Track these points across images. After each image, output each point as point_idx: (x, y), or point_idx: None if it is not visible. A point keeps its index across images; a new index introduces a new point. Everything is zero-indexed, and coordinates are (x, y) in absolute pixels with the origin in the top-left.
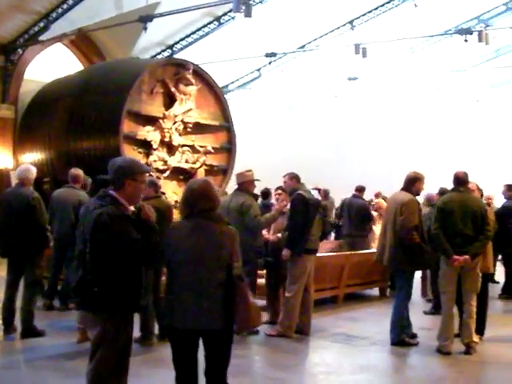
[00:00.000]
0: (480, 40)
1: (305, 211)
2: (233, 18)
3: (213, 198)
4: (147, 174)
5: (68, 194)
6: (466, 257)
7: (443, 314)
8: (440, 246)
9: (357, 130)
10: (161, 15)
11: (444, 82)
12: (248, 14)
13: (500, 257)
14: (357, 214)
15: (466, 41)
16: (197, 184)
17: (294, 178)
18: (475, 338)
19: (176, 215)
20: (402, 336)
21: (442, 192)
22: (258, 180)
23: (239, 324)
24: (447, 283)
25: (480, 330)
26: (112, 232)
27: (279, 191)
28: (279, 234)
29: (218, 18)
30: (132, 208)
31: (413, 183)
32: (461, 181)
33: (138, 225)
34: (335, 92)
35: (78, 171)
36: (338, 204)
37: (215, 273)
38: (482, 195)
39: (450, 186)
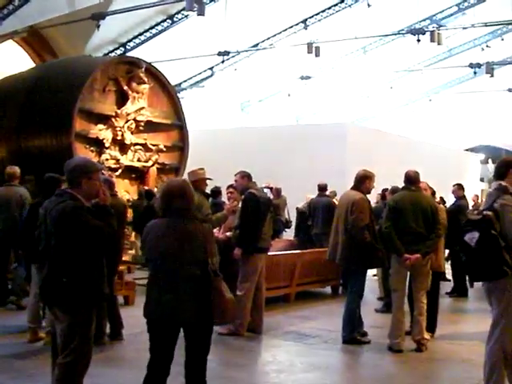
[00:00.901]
0: (432, 40)
1: (256, 210)
2: (186, 16)
3: (189, 197)
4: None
5: (8, 192)
6: (417, 255)
7: (394, 312)
8: (391, 244)
9: (309, 129)
10: (114, 13)
11: (397, 81)
12: (201, 13)
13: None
14: (323, 212)
15: (418, 41)
16: (174, 183)
17: (245, 176)
18: (426, 335)
19: (129, 214)
20: (353, 334)
21: (394, 190)
22: (209, 179)
23: (217, 318)
24: (398, 281)
25: (431, 328)
26: (78, 222)
27: (231, 189)
28: (228, 233)
29: (171, 16)
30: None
31: (363, 182)
32: (412, 180)
33: (98, 217)
34: (288, 90)
35: (14, 168)
36: (293, 203)
37: (191, 269)
38: (433, 194)
39: (400, 183)
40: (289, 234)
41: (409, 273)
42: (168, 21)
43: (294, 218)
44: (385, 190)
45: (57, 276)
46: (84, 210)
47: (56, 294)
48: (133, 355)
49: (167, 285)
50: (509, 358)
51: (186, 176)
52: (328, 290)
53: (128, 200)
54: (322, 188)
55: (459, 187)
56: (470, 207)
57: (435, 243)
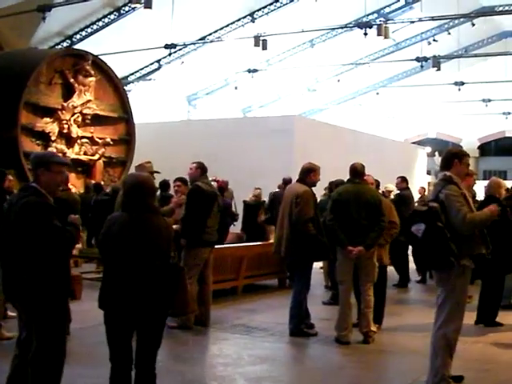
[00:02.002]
0: (379, 34)
1: (200, 203)
2: (133, 8)
3: (151, 191)
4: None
5: None
6: (361, 248)
7: (341, 304)
8: (335, 236)
9: (256, 122)
10: (60, 5)
11: (344, 74)
12: (148, 5)
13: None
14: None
15: (365, 34)
16: (136, 178)
17: (199, 168)
18: (373, 327)
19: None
20: (300, 326)
21: (338, 184)
22: (157, 172)
23: (178, 309)
24: (344, 273)
25: (378, 320)
26: (37, 219)
27: (178, 183)
28: (175, 226)
29: (118, 9)
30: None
31: (307, 174)
32: (357, 172)
33: (60, 214)
34: (235, 83)
35: None
36: (240, 196)
37: (154, 262)
38: (377, 187)
39: (346, 176)
40: (237, 228)
41: (355, 265)
42: (115, 13)
43: (240, 211)
44: (332, 183)
45: (18, 272)
46: (47, 207)
47: (17, 291)
48: (80, 350)
49: (129, 277)
50: (452, 345)
51: (133, 169)
52: (275, 282)
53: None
54: (287, 181)
55: (402, 180)
56: (416, 199)
57: (379, 236)
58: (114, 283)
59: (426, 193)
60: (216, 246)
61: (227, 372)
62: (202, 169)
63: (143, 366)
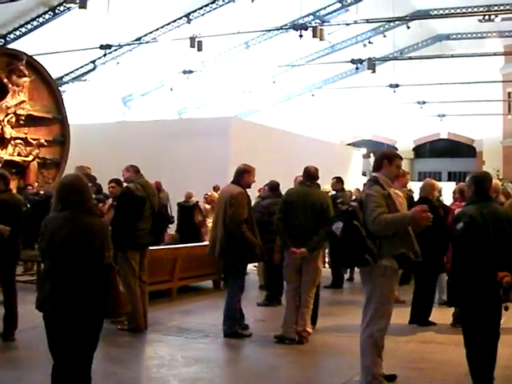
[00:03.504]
0: (314, 36)
1: (130, 206)
2: (68, 8)
3: (85, 190)
4: None
5: None
6: (303, 250)
7: (286, 303)
8: (280, 237)
9: (192, 123)
10: None
11: (280, 76)
12: (83, 5)
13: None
14: None
15: (300, 36)
16: (69, 178)
17: (129, 169)
18: (309, 327)
19: None
20: (234, 328)
21: (272, 185)
22: (93, 177)
23: (111, 310)
24: (289, 273)
25: (312, 320)
26: None
27: (112, 184)
28: None
29: (52, 9)
30: None
31: (242, 176)
32: (311, 175)
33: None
34: (171, 85)
35: None
36: (175, 197)
37: (88, 261)
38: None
39: (282, 178)
40: (171, 229)
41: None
42: (50, 13)
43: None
44: (266, 185)
45: None
46: None
47: None
48: (16, 354)
49: (65, 277)
50: (379, 344)
51: (67, 171)
52: (210, 284)
53: None
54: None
55: (337, 180)
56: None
57: (323, 239)
58: (51, 284)
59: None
60: (150, 248)
61: (161, 374)
62: (133, 169)
63: (79, 367)
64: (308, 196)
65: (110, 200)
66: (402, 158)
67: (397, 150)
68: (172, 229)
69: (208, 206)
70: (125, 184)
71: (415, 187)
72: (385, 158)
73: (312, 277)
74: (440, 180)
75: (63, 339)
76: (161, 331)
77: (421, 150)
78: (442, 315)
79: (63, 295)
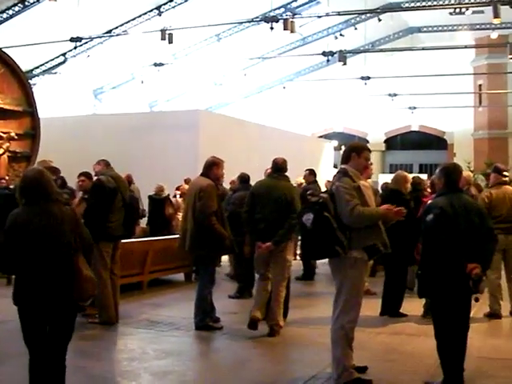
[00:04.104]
0: (285, 28)
1: (102, 197)
2: (38, 0)
3: (49, 182)
4: None
5: None
6: (268, 244)
7: (256, 290)
8: (247, 230)
9: (162, 116)
10: None
11: (251, 68)
12: None
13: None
14: None
15: (271, 28)
16: (32, 172)
17: (101, 163)
18: (280, 321)
19: None
20: (205, 320)
21: (242, 177)
22: (57, 168)
23: (76, 294)
24: (259, 265)
25: (284, 313)
26: None
27: (82, 177)
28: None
29: (22, 1)
30: None
31: (211, 168)
32: (279, 167)
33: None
34: (142, 77)
35: None
36: (146, 190)
37: (60, 250)
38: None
39: (253, 171)
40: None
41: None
42: (19, 5)
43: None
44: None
45: None
46: None
47: None
48: None
49: (38, 269)
50: (350, 335)
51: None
52: (181, 276)
53: None
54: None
55: (310, 172)
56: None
57: (288, 232)
58: (24, 277)
59: None
60: (121, 241)
61: (132, 367)
62: (104, 162)
63: (54, 359)
64: (273, 189)
65: (81, 193)
66: (370, 150)
67: (368, 142)
68: (143, 222)
69: (180, 199)
70: (95, 177)
71: (387, 179)
72: (353, 150)
73: (281, 270)
74: (411, 172)
75: (37, 330)
76: (132, 324)
77: (392, 143)
78: (412, 307)
79: (37, 288)
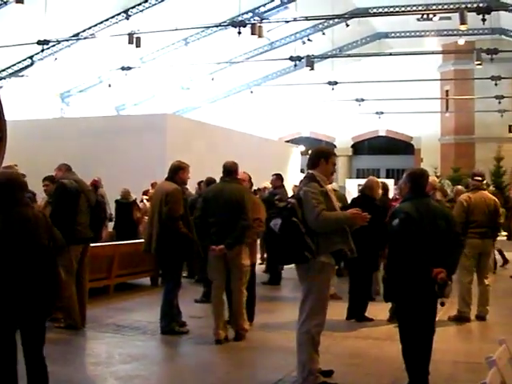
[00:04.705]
0: (253, 33)
1: (65, 199)
2: (5, 2)
3: (21, 186)
4: None
5: None
6: (221, 247)
7: (212, 301)
8: (198, 235)
9: (129, 120)
10: None
11: (219, 73)
12: (20, 0)
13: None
14: None
15: (239, 33)
16: (3, 176)
17: (61, 168)
18: (246, 324)
19: None
20: (172, 325)
21: (208, 181)
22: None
23: (56, 296)
24: (213, 271)
25: (249, 317)
26: None
27: (46, 182)
28: None
29: None
30: None
31: (176, 172)
32: (228, 170)
33: None
34: (109, 81)
35: None
36: (112, 195)
37: (35, 254)
38: (251, 186)
39: (219, 175)
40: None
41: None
42: None
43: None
44: (200, 182)
45: None
46: None
47: None
48: None
49: (14, 273)
50: (316, 340)
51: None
52: (147, 281)
53: None
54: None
55: (277, 177)
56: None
57: (241, 234)
58: (3, 283)
59: None
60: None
61: (98, 371)
62: (65, 167)
63: (32, 361)
64: (223, 192)
65: (46, 197)
66: (336, 155)
67: (335, 147)
68: (110, 226)
69: (148, 203)
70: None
71: (353, 184)
72: (322, 156)
73: (238, 274)
74: (378, 177)
75: (9, 335)
76: (98, 328)
77: (359, 147)
78: (378, 311)
79: (11, 290)
